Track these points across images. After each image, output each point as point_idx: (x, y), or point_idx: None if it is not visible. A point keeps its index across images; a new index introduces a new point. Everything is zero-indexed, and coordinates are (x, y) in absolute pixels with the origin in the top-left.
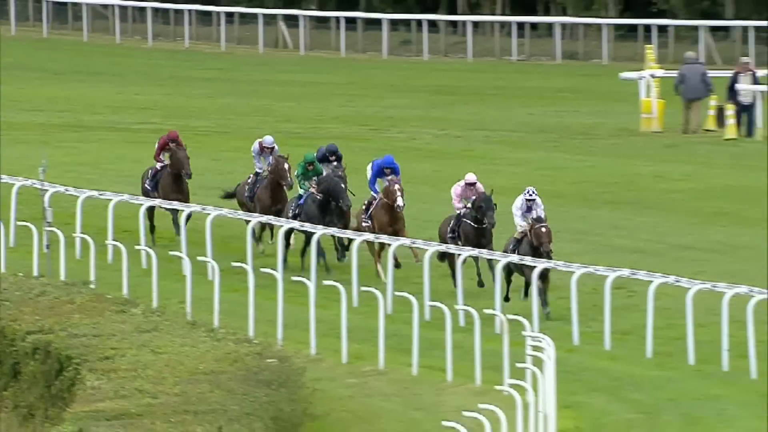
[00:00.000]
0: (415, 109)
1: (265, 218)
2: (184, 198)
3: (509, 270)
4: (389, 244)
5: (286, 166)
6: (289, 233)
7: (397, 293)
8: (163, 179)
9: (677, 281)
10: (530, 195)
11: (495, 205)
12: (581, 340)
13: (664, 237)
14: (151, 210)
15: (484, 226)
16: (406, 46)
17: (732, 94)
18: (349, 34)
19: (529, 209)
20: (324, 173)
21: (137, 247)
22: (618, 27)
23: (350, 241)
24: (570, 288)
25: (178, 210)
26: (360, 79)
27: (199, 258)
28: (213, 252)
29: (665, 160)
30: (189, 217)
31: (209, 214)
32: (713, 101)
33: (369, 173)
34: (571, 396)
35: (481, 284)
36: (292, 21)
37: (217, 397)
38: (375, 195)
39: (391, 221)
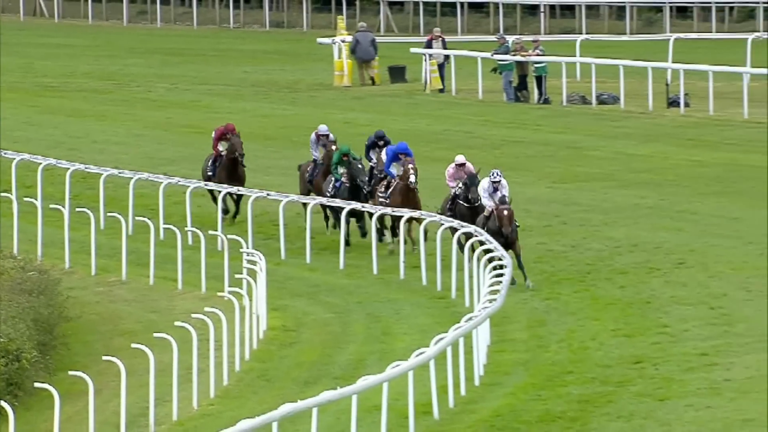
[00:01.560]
0: (150, 67)
1: (324, 200)
2: (240, 183)
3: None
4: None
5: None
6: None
7: (137, 218)
8: (221, 166)
9: (362, 206)
10: (495, 177)
11: (479, 180)
12: (287, 255)
13: None
14: (212, 193)
15: (476, 205)
16: (142, 16)
17: (428, 56)
18: (96, 5)
19: (495, 190)
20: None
21: None
22: (315, 0)
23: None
24: (279, 213)
25: (233, 193)
26: (104, 43)
27: None
28: None
29: (354, 109)
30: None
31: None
32: (376, 62)
33: (384, 158)
34: (278, 300)
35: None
36: None
37: None
38: (393, 178)
39: (404, 204)
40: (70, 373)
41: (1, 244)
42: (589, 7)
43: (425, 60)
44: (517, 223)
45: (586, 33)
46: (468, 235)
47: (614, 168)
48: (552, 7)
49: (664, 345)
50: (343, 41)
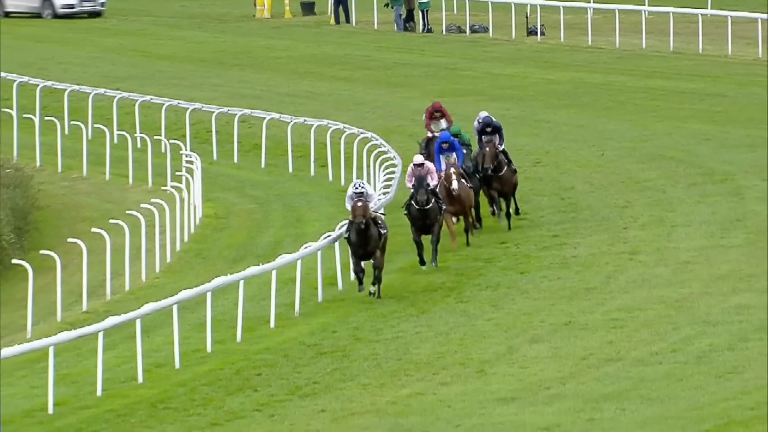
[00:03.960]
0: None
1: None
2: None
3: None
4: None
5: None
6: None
7: (95, 125)
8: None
9: (280, 116)
10: (358, 188)
11: (428, 185)
12: (219, 156)
13: (273, 88)
14: None
15: (427, 208)
16: None
17: None
18: None
19: (360, 197)
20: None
21: None
22: None
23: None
24: (212, 121)
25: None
26: None
27: None
28: None
29: (273, 37)
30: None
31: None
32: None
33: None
34: (211, 193)
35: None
36: None
37: None
38: (441, 173)
39: (449, 202)
40: (41, 252)
41: None
42: None
43: None
44: (383, 229)
45: None
46: (366, 140)
47: (484, 85)
48: None
49: (524, 228)
50: None
